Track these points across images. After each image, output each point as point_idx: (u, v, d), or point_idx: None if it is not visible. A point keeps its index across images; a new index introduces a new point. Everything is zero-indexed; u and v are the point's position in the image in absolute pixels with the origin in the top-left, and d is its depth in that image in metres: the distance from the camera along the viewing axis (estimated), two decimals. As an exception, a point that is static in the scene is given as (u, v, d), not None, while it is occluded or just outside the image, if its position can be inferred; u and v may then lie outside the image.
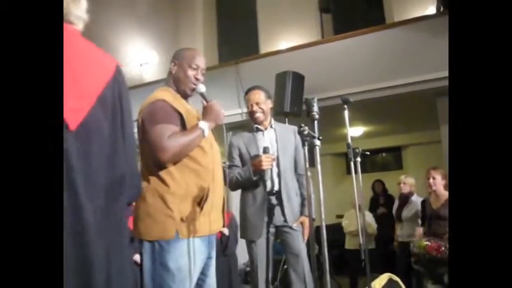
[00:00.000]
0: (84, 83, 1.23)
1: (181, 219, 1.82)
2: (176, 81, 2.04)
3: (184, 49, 2.14)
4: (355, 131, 7.64)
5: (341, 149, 7.89)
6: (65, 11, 1.24)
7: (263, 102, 2.79)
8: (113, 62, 1.32)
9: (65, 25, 1.23)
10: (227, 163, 3.08)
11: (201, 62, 2.07)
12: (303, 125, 1.64)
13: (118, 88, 1.31)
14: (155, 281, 1.80)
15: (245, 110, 6.29)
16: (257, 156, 2.63)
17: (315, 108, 1.62)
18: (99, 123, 1.25)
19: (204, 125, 1.90)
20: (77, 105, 1.19)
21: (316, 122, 1.61)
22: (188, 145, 1.85)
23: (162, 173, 1.85)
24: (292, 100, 5.03)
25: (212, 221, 1.96)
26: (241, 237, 2.80)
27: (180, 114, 1.92)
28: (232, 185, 2.78)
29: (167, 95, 1.98)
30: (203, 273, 1.98)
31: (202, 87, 2.05)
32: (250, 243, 2.73)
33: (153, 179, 1.86)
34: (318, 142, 1.60)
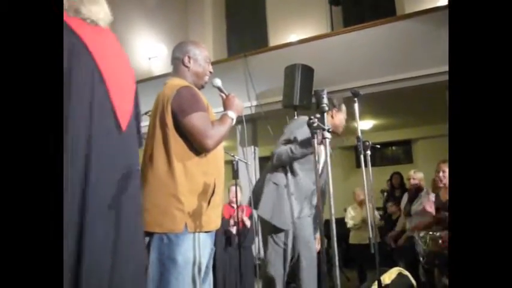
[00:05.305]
0: (125, 86, 1.33)
1: (189, 213, 1.82)
2: (195, 75, 2.08)
3: (191, 43, 2.16)
4: (364, 124, 7.60)
5: (350, 142, 7.86)
6: (95, 16, 1.33)
7: None
8: (131, 68, 1.43)
9: (102, 28, 1.33)
10: (236, 156, 3.05)
11: (209, 55, 2.16)
12: (312, 117, 1.62)
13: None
14: (162, 274, 1.79)
15: (254, 103, 6.31)
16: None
17: (325, 100, 1.61)
18: (134, 123, 1.36)
19: (233, 114, 1.98)
20: (125, 107, 1.28)
21: (325, 114, 1.59)
22: (225, 134, 1.93)
23: (176, 166, 1.84)
24: (301, 93, 5.00)
25: (219, 215, 2.00)
26: (273, 221, 2.68)
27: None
28: (279, 159, 2.70)
29: (189, 85, 1.99)
30: (207, 266, 1.97)
31: (218, 81, 2.10)
32: (273, 231, 2.70)
33: (164, 171, 1.85)
34: (328, 134, 1.58)
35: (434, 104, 6.00)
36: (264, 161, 5.56)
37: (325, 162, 2.59)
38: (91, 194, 1.17)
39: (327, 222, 1.88)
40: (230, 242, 4.20)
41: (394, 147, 9.35)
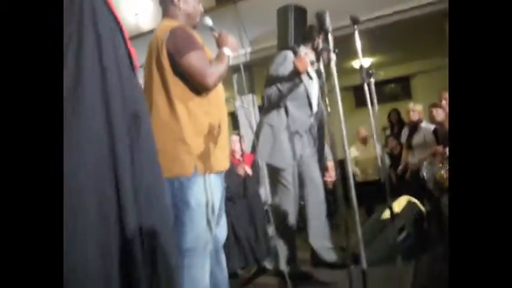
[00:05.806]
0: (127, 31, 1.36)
1: (197, 155, 1.81)
2: (186, 15, 2.00)
3: None
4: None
5: (349, 82, 7.76)
6: None
7: None
8: None
9: None
10: (235, 102, 3.01)
11: None
12: (316, 39, 1.57)
13: None
14: (177, 216, 1.80)
15: (249, 50, 6.17)
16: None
17: (328, 21, 1.54)
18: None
19: (228, 51, 1.92)
20: (134, 51, 1.33)
21: (330, 35, 1.53)
22: (224, 72, 1.88)
23: (178, 109, 1.81)
24: (296, 34, 4.88)
25: (227, 156, 1.99)
26: (272, 162, 2.69)
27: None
28: (270, 101, 2.68)
29: (182, 25, 1.93)
30: (219, 207, 1.98)
31: (209, 20, 2.05)
32: (277, 172, 2.70)
33: (166, 115, 1.82)
34: (334, 56, 1.54)
35: (432, 36, 5.88)
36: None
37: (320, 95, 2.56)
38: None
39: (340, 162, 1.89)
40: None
41: (392, 85, 9.25)
